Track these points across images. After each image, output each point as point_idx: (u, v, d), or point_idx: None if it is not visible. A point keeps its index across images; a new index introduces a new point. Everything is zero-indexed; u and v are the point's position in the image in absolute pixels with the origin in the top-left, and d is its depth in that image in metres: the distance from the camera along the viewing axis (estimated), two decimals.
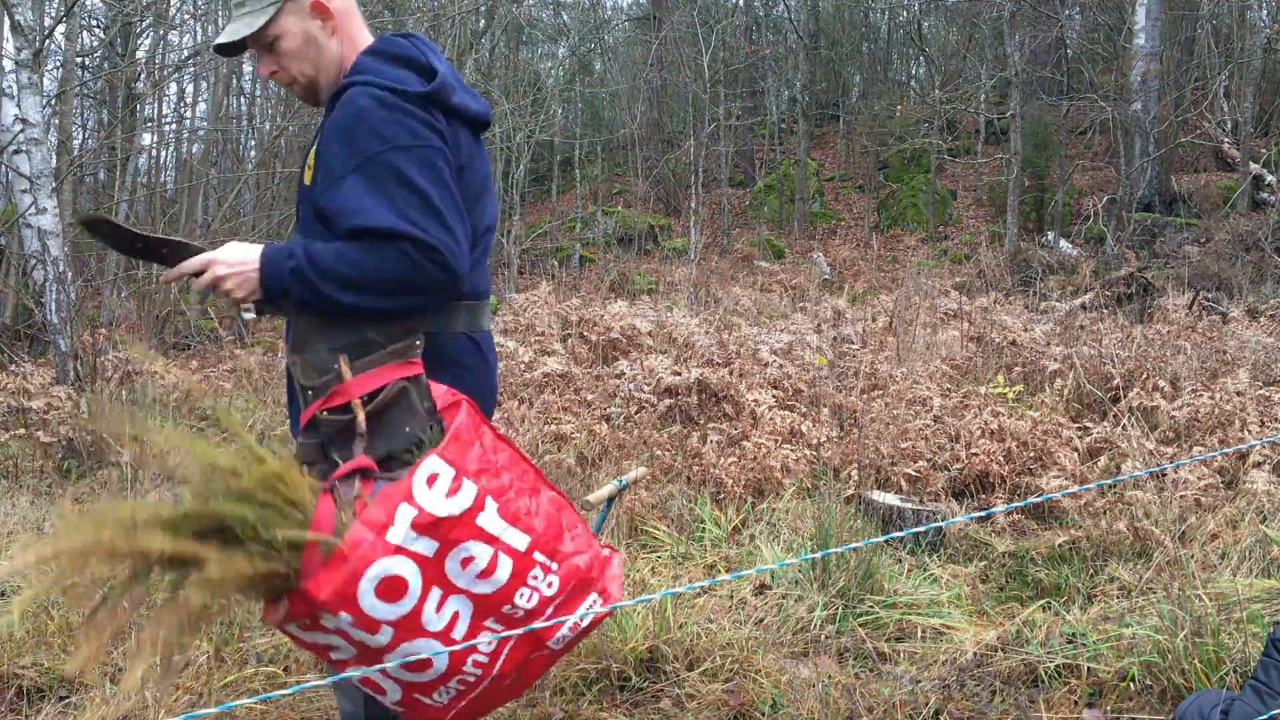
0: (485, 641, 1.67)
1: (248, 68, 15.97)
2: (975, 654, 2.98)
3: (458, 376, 1.83)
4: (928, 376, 5.79)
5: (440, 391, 1.76)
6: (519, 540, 1.68)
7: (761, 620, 3.21)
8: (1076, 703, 2.74)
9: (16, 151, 5.90)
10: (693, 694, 2.80)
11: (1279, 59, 16.25)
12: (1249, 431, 4.65)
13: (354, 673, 1.69)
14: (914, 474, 4.53)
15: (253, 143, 16.12)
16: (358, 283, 1.68)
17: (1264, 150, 14.02)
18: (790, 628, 3.18)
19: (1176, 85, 15.21)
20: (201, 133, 14.80)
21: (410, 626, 1.61)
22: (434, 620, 1.63)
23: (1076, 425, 5.03)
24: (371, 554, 1.56)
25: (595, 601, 1.78)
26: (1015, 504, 2.44)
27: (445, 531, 1.61)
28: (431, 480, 1.60)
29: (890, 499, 4.26)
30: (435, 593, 1.62)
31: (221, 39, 1.88)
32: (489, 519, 1.65)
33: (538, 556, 1.70)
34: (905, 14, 22.84)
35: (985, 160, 17.25)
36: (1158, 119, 14.26)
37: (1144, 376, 5.30)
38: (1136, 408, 4.99)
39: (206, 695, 2.74)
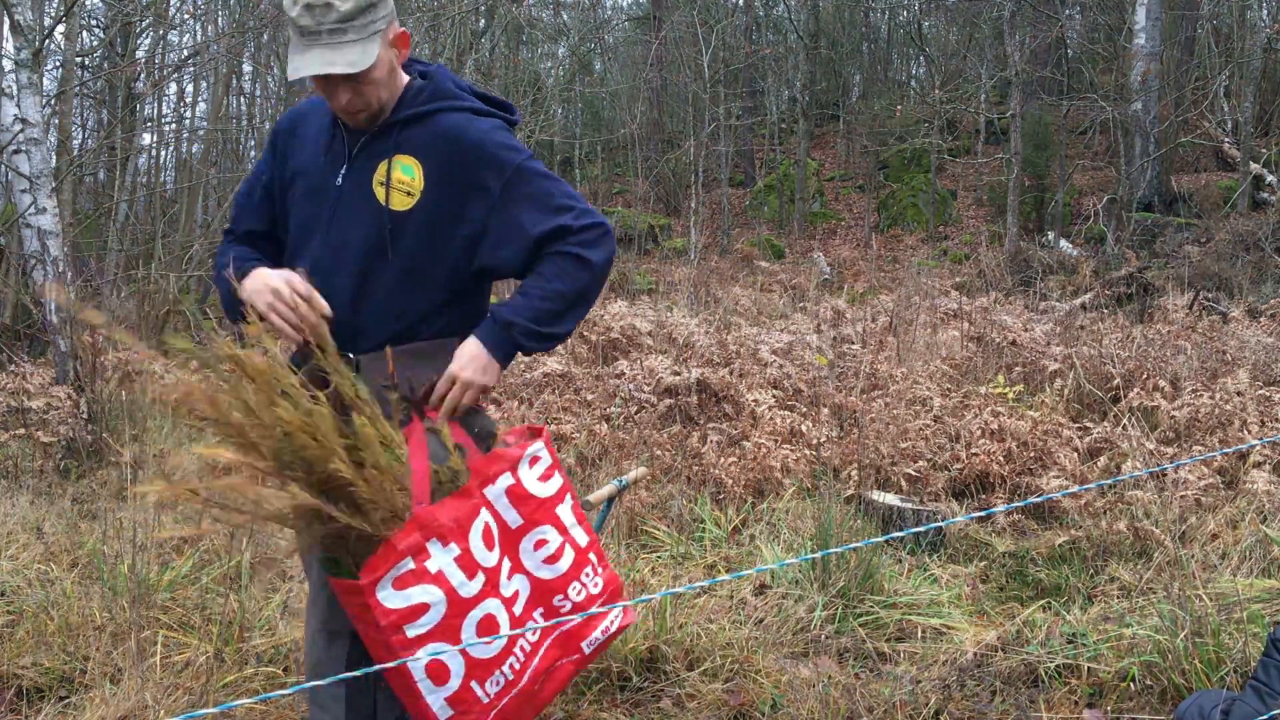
0: (531, 630, 1.81)
1: (248, 67, 15.97)
2: (975, 654, 2.98)
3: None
4: (928, 376, 5.78)
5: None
6: (582, 537, 1.89)
7: (761, 620, 3.21)
8: (1076, 703, 2.74)
9: (16, 151, 5.89)
10: (693, 694, 2.80)
11: (1279, 59, 16.25)
12: (1249, 431, 4.65)
13: (424, 656, 1.71)
14: (914, 474, 4.53)
15: (253, 143, 16.11)
16: (588, 286, 1.90)
17: (1264, 150, 14.01)
18: (790, 628, 3.18)
19: (1176, 85, 15.21)
20: (201, 133, 14.80)
21: (494, 581, 1.77)
22: (505, 585, 1.80)
23: (1076, 425, 5.03)
24: (480, 499, 1.80)
25: (618, 614, 1.94)
26: (1015, 504, 2.44)
27: (531, 510, 1.84)
28: (534, 461, 1.87)
29: (890, 499, 4.26)
30: (507, 563, 1.81)
31: (332, 69, 1.77)
32: (565, 511, 1.89)
33: (591, 556, 1.90)
34: (905, 14, 22.84)
35: (985, 160, 17.25)
36: (1158, 119, 14.26)
37: (1144, 376, 5.30)
38: (1136, 408, 4.99)
39: (206, 695, 2.74)
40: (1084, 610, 3.26)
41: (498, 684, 1.77)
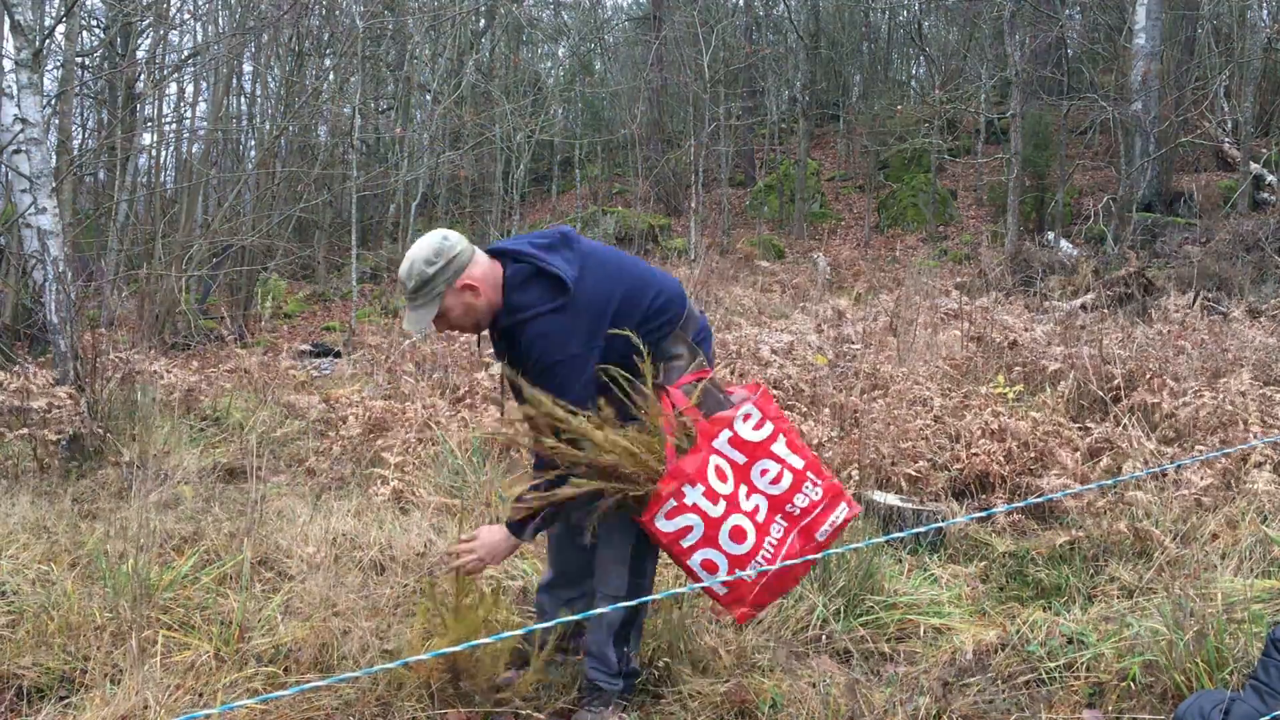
0: (777, 530, 2.55)
1: (248, 67, 15.97)
2: (975, 654, 2.98)
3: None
4: (928, 376, 5.78)
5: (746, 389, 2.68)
6: (797, 462, 2.58)
7: (761, 620, 3.20)
8: (1077, 703, 2.74)
9: (16, 151, 5.89)
10: (693, 694, 2.80)
11: (1279, 59, 16.25)
12: (1250, 432, 4.64)
13: (698, 557, 2.52)
14: (914, 474, 4.53)
15: (253, 143, 16.12)
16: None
17: (1264, 150, 14.02)
18: (790, 628, 3.18)
19: (1176, 85, 15.21)
20: (201, 133, 14.80)
21: (734, 502, 2.50)
22: (745, 503, 2.52)
23: (1077, 425, 5.02)
24: (708, 451, 2.50)
25: (844, 508, 2.61)
26: (1016, 504, 2.45)
27: (750, 451, 2.54)
28: (746, 418, 2.55)
29: (891, 499, 4.25)
30: (744, 489, 2.53)
31: (408, 325, 2.58)
32: (779, 447, 2.57)
33: (809, 474, 2.58)
34: (905, 14, 22.85)
35: (985, 160, 17.27)
36: (1158, 119, 14.26)
37: (1145, 376, 5.29)
38: (1137, 407, 4.99)
39: (207, 695, 2.74)
40: (1084, 610, 3.26)
41: (755, 569, 2.50)
